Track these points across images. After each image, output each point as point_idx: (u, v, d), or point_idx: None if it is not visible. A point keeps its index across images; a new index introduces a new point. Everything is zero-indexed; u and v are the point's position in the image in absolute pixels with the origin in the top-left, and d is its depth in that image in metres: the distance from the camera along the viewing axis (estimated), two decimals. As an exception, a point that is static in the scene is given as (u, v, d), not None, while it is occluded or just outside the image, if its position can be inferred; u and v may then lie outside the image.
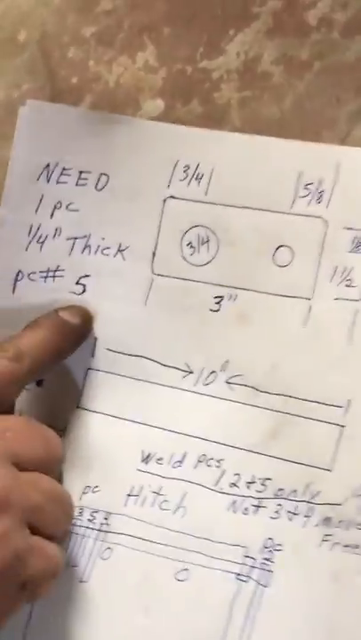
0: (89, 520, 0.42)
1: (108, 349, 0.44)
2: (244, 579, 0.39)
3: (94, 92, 0.52)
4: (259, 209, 0.42)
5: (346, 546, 0.38)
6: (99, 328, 0.44)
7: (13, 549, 0.34)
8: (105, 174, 0.45)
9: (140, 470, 0.42)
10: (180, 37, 0.69)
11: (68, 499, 0.39)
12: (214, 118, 0.53)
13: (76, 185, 0.45)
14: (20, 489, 0.35)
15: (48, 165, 0.45)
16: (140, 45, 0.69)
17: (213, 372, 0.42)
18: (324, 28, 0.59)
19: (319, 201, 0.41)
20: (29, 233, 0.45)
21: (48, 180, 0.45)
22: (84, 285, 0.45)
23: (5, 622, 0.35)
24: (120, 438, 0.43)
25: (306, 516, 0.39)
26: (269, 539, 0.39)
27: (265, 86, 0.56)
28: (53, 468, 0.38)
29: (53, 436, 0.38)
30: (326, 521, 0.39)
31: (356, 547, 0.38)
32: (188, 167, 0.44)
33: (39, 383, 0.45)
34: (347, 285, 0.40)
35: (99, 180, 0.45)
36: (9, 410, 0.40)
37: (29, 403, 0.44)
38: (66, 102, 0.56)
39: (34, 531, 0.36)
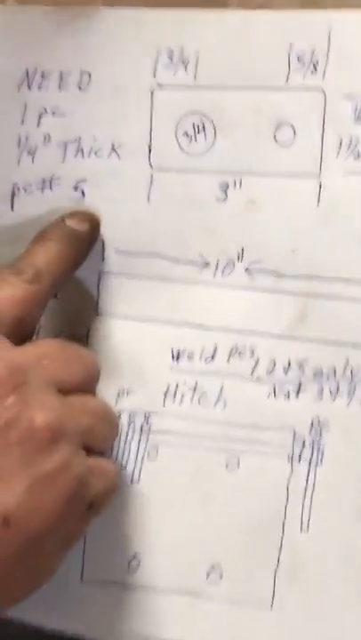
0: (129, 423, 0.44)
1: (117, 251, 0.45)
2: (297, 460, 0.42)
3: None
4: (252, 88, 0.43)
5: None
6: (105, 231, 0.46)
7: (76, 475, 0.36)
8: (86, 72, 0.45)
9: (172, 369, 0.44)
10: None
11: (113, 413, 0.41)
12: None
13: (59, 88, 0.46)
14: (70, 415, 0.37)
15: (27, 72, 0.45)
16: None
17: (231, 261, 0.44)
18: None
19: (314, 72, 0.43)
20: (18, 145, 0.46)
21: (29, 88, 0.46)
22: (82, 191, 0.46)
23: (77, 542, 0.38)
24: (146, 339, 0.45)
25: (349, 394, 0.42)
26: (316, 419, 0.42)
27: None
28: (94, 385, 0.40)
29: (89, 354, 0.41)
30: None
31: None
32: (172, 53, 0.44)
33: (55, 295, 0.47)
34: (355, 158, 0.41)
35: (81, 79, 0.45)
36: (33, 332, 0.42)
37: (47, 316, 0.46)
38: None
39: (88, 450, 0.38)
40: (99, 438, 0.41)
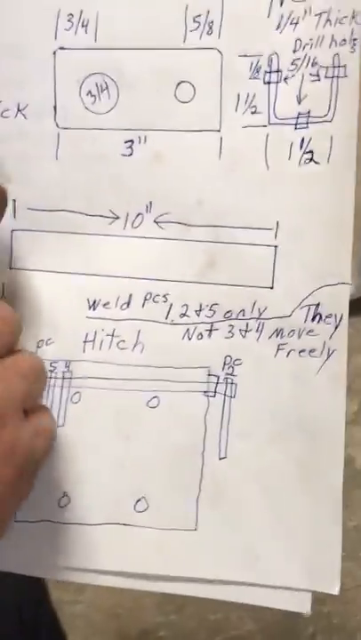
0: (50, 371, 0.47)
1: (28, 209, 0.48)
2: (212, 394, 0.47)
3: None
4: (151, 48, 0.46)
5: (301, 351, 0.46)
6: (15, 190, 0.48)
7: (25, 446, 0.40)
8: None
9: (89, 317, 0.48)
10: None
11: (42, 366, 0.44)
12: None
13: None
14: (6, 387, 0.40)
15: None
16: None
17: (140, 214, 0.47)
18: None
19: (210, 32, 0.45)
20: None
21: None
22: None
23: (27, 496, 0.41)
24: (62, 290, 0.48)
25: (258, 331, 0.46)
26: (228, 356, 0.47)
27: None
28: (18, 341, 0.43)
29: (7, 309, 0.43)
30: (279, 332, 0.46)
31: (312, 351, 0.45)
32: (71, 15, 0.46)
33: None
34: (253, 112, 0.45)
35: None
36: None
37: None
38: None
39: (27, 411, 0.41)
40: (35, 397, 0.44)
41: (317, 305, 0.47)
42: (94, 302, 0.49)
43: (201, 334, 0.48)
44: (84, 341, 0.49)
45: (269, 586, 0.48)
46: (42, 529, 0.50)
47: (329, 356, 0.47)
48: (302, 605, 0.48)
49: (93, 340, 0.49)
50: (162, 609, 1.24)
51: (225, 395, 0.48)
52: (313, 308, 0.47)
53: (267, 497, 0.48)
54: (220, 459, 0.48)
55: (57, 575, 0.49)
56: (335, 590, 0.47)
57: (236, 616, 1.14)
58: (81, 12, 0.48)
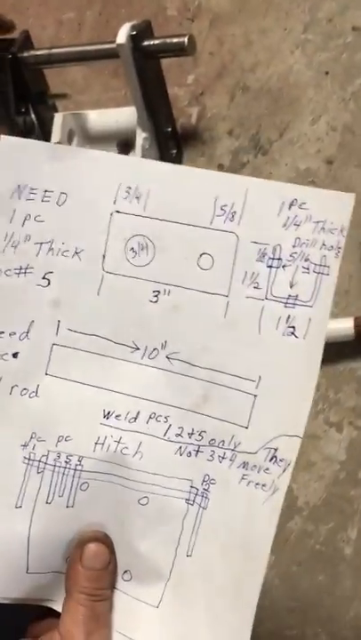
0: (66, 462, 0.61)
1: (68, 329, 0.62)
2: (191, 502, 0.60)
3: None
4: (186, 224, 0.61)
5: (257, 484, 0.59)
6: (62, 313, 0.62)
7: None
8: (64, 193, 0.62)
9: (102, 424, 0.61)
10: None
11: None
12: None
13: (42, 201, 0.62)
14: None
15: (19, 187, 0.62)
16: None
17: (155, 349, 0.61)
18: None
19: (232, 219, 0.60)
20: (5, 238, 0.63)
21: (19, 198, 0.62)
22: (48, 280, 0.63)
23: None
24: (84, 399, 0.62)
25: (230, 460, 0.59)
26: (207, 474, 0.60)
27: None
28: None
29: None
30: (245, 465, 0.59)
31: (264, 485, 0.59)
32: (129, 188, 0.61)
33: (15, 355, 0.63)
34: (255, 287, 0.59)
35: (59, 197, 0.62)
36: None
37: (10, 373, 0.62)
38: None
39: None
40: None
41: (275, 449, 0.60)
42: (108, 413, 0.63)
43: (190, 453, 0.61)
44: (96, 443, 0.63)
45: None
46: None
47: (274, 492, 0.60)
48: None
49: (103, 443, 0.63)
50: None
51: (200, 505, 0.61)
52: (272, 451, 0.60)
53: (212, 594, 0.61)
54: (187, 555, 0.61)
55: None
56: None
57: (312, 633, 1.21)
58: (137, 187, 0.62)
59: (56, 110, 0.71)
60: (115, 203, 0.62)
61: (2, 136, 0.64)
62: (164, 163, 0.63)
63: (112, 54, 0.64)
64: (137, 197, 0.62)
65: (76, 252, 0.63)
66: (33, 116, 0.69)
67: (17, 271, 0.63)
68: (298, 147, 0.69)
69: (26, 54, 0.66)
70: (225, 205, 0.60)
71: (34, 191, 0.63)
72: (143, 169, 0.62)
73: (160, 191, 0.61)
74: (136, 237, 0.62)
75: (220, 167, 0.67)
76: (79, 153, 0.63)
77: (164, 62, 0.66)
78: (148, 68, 0.65)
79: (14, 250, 0.63)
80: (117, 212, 0.62)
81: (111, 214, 0.62)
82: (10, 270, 0.63)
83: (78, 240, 0.63)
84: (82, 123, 0.72)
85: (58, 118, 0.68)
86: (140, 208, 0.62)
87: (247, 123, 0.70)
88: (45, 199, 0.63)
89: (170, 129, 0.69)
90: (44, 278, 0.63)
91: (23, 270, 0.63)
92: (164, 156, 0.68)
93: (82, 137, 0.70)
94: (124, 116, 0.70)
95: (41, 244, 0.63)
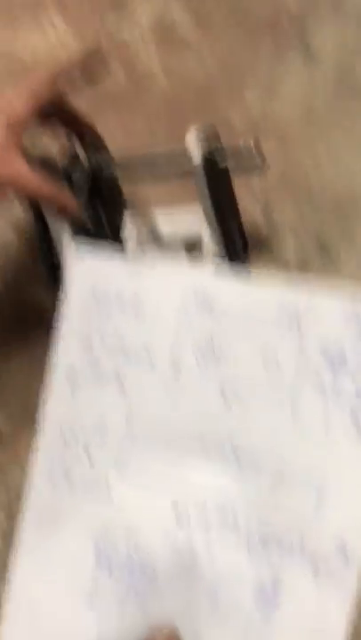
0: (137, 561, 0.64)
1: (139, 430, 0.67)
2: (260, 600, 0.62)
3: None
4: (251, 328, 0.66)
5: (326, 580, 0.60)
6: (133, 414, 0.67)
7: None
8: (139, 303, 0.68)
9: (172, 523, 0.65)
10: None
11: None
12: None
13: (117, 308, 0.68)
14: None
15: (95, 295, 0.69)
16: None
17: (223, 446, 0.64)
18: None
19: (298, 325, 0.65)
20: (81, 342, 0.68)
21: (97, 305, 0.68)
22: (121, 382, 0.68)
23: None
24: (154, 499, 0.65)
25: (299, 556, 0.61)
26: (275, 571, 0.62)
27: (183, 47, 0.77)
28: None
29: None
30: (313, 560, 0.61)
31: (334, 581, 0.60)
32: (199, 297, 0.67)
33: (89, 457, 0.66)
34: (321, 389, 0.63)
35: (133, 305, 0.68)
36: None
37: (84, 476, 0.66)
38: None
39: None
40: None
41: (344, 545, 0.60)
42: (178, 512, 0.64)
43: (258, 550, 0.62)
44: (166, 542, 0.64)
45: None
46: None
47: (345, 588, 0.60)
48: None
49: (173, 542, 0.64)
50: None
51: (269, 602, 0.62)
52: (341, 547, 0.60)
53: None
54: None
55: None
56: None
57: None
58: (205, 294, 0.66)
59: (127, 209, 0.76)
60: (186, 311, 0.66)
61: (84, 248, 0.69)
62: (232, 273, 0.67)
63: (186, 165, 0.69)
64: (204, 304, 0.65)
65: (149, 358, 0.66)
66: (103, 215, 0.75)
67: (91, 373, 0.67)
68: (363, 253, 0.73)
69: (105, 157, 0.72)
70: (291, 312, 0.64)
71: (109, 300, 0.67)
72: (212, 278, 0.66)
73: (227, 298, 0.65)
74: (205, 342, 0.65)
75: (286, 271, 0.71)
76: (154, 264, 0.68)
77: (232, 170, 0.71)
78: (219, 177, 0.70)
79: (90, 356, 0.67)
80: (186, 317, 0.66)
81: (182, 322, 0.66)
82: (84, 372, 0.67)
83: (149, 344, 0.66)
84: (151, 223, 0.76)
85: (128, 218, 0.73)
86: (207, 314, 0.65)
87: (313, 229, 0.74)
88: (120, 308, 0.67)
89: (237, 233, 0.73)
90: (116, 380, 0.67)
91: (97, 372, 0.67)
92: (231, 260, 0.72)
93: (150, 237, 0.75)
94: (192, 219, 0.75)
95: (115, 350, 0.67)
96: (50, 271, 0.76)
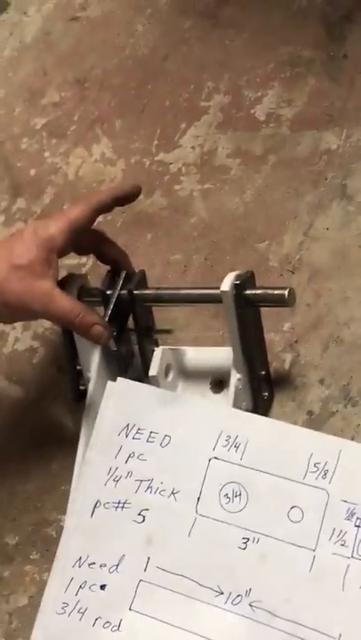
0: None
1: (157, 567, 0.66)
2: None
3: (55, 184, 0.76)
4: (279, 476, 0.65)
5: None
6: (152, 550, 0.66)
7: None
8: (168, 436, 0.67)
9: None
10: (133, 130, 0.92)
11: None
12: (179, 210, 0.73)
13: (147, 441, 0.68)
14: None
15: (128, 425, 0.68)
16: (93, 137, 0.92)
17: (240, 595, 0.64)
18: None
19: (324, 477, 0.64)
20: (108, 472, 0.67)
21: (127, 436, 0.68)
22: (144, 516, 0.67)
23: None
24: (166, 638, 0.64)
25: None
26: None
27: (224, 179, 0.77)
28: None
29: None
30: None
31: None
32: (229, 437, 0.66)
33: (103, 587, 0.66)
34: (341, 545, 0.62)
35: (163, 439, 0.67)
36: None
37: (96, 605, 0.66)
38: (27, 194, 0.78)
39: None
40: None
41: None
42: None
43: None
44: None
45: None
46: None
47: None
48: None
49: None
50: None
51: None
52: None
53: None
54: None
55: None
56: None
57: None
58: (236, 436, 0.67)
59: (157, 344, 0.77)
60: (214, 449, 0.67)
61: (119, 378, 0.70)
62: (263, 417, 0.68)
63: (215, 299, 0.70)
64: (235, 446, 0.66)
65: (173, 493, 0.67)
66: (136, 346, 0.76)
67: (115, 505, 0.68)
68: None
69: (139, 292, 0.73)
70: (318, 463, 0.64)
71: (141, 431, 0.68)
72: (244, 421, 0.67)
73: (258, 443, 0.66)
74: (231, 484, 0.66)
75: (310, 414, 0.71)
76: (187, 400, 0.69)
77: (263, 309, 0.72)
78: (248, 314, 0.71)
79: (115, 484, 0.68)
80: (215, 458, 0.67)
81: (209, 460, 0.67)
82: (109, 503, 0.68)
83: (176, 481, 0.67)
84: (179, 358, 0.77)
85: (158, 352, 0.74)
86: (237, 457, 0.66)
87: (339, 373, 0.74)
88: (150, 440, 0.68)
89: (264, 372, 0.74)
90: (139, 514, 0.68)
91: (121, 505, 0.68)
92: (256, 398, 0.73)
93: (178, 371, 0.76)
94: (220, 355, 0.76)
95: (141, 481, 0.68)
96: (75, 391, 0.77)
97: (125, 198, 0.73)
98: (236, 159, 0.86)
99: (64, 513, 0.74)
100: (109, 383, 0.70)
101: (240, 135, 0.87)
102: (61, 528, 0.73)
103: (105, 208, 0.72)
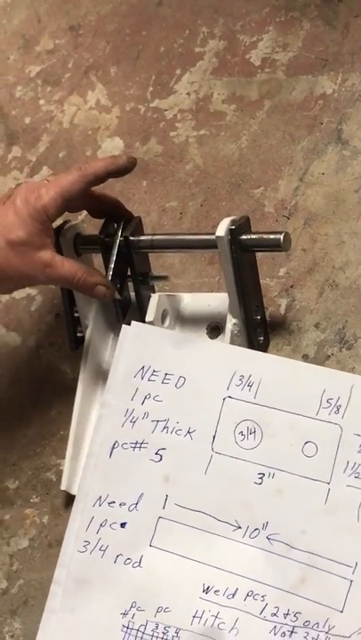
0: (163, 632, 0.66)
1: (176, 504, 0.68)
2: None
3: (50, 132, 0.77)
4: (293, 413, 0.67)
5: None
6: (170, 488, 0.68)
7: None
8: (183, 377, 0.69)
9: (201, 598, 0.66)
10: (128, 77, 0.93)
11: None
12: (174, 156, 0.76)
13: (162, 383, 0.69)
14: None
15: (143, 367, 0.69)
16: (88, 85, 0.93)
17: (257, 529, 0.66)
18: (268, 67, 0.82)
19: (337, 412, 0.66)
20: (125, 414, 0.69)
21: (142, 378, 0.69)
22: (161, 455, 0.69)
23: None
24: (185, 572, 0.67)
25: None
26: None
27: (220, 125, 0.78)
28: None
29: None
30: None
31: None
32: (242, 377, 0.68)
33: (123, 525, 0.68)
34: (355, 477, 0.64)
35: (178, 380, 0.69)
36: None
37: (116, 543, 0.68)
38: (22, 142, 0.79)
39: None
40: None
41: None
42: (208, 587, 0.67)
43: (284, 633, 0.64)
44: (194, 616, 0.66)
45: None
46: None
47: None
48: None
49: (200, 617, 0.66)
50: None
51: None
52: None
53: None
54: None
55: None
56: None
57: None
58: (250, 375, 0.69)
59: (153, 291, 0.79)
60: (228, 389, 0.68)
61: (133, 322, 0.71)
62: (275, 356, 0.70)
63: (211, 245, 0.71)
64: (249, 385, 0.68)
65: (189, 432, 0.69)
66: (132, 293, 0.78)
67: (133, 445, 0.69)
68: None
69: (135, 239, 0.75)
70: (331, 399, 0.66)
71: (156, 373, 0.70)
72: (256, 360, 0.69)
73: (271, 381, 0.68)
74: (245, 422, 0.68)
75: (305, 358, 0.73)
76: (200, 342, 0.71)
77: (259, 254, 0.73)
78: (243, 259, 0.72)
79: (132, 425, 0.69)
80: (230, 397, 0.68)
81: (224, 399, 0.68)
82: (126, 444, 0.69)
83: (192, 420, 0.69)
84: (175, 304, 0.78)
85: (154, 298, 0.75)
86: (250, 395, 0.68)
87: (334, 317, 0.75)
88: (165, 381, 0.69)
89: (259, 317, 0.75)
90: (156, 454, 0.69)
91: (139, 445, 0.69)
92: (251, 343, 0.74)
93: (174, 317, 0.77)
94: (216, 301, 0.77)
95: (157, 421, 0.69)
96: (72, 338, 0.79)
97: (120, 171, 0.74)
98: (232, 105, 0.86)
99: (63, 457, 0.76)
100: (124, 327, 0.71)
101: (235, 81, 0.87)
102: (61, 472, 0.75)
103: (98, 181, 0.73)
